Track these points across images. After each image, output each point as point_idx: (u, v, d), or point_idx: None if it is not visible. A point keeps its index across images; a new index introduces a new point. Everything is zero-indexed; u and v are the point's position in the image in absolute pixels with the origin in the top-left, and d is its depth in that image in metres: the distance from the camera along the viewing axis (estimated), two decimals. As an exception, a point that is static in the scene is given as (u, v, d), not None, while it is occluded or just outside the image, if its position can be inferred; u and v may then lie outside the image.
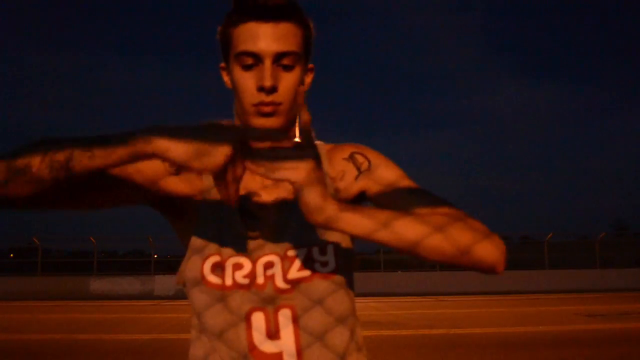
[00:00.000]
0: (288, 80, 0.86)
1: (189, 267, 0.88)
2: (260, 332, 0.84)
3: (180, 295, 17.49)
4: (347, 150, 0.96)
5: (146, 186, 0.88)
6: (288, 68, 0.86)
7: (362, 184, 0.93)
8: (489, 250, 0.78)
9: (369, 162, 0.93)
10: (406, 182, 0.91)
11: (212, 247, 0.87)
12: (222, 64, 0.94)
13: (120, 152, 0.71)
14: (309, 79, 0.95)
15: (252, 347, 0.83)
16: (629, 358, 5.80)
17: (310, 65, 0.94)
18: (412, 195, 0.87)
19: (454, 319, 9.39)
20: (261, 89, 0.85)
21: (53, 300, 15.61)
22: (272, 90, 0.85)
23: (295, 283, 0.85)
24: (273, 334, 0.84)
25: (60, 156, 0.71)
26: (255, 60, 0.85)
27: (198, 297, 0.86)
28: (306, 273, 0.86)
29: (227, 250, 0.87)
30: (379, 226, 0.75)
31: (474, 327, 8.22)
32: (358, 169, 0.93)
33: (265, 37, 0.84)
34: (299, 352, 0.83)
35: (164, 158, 0.71)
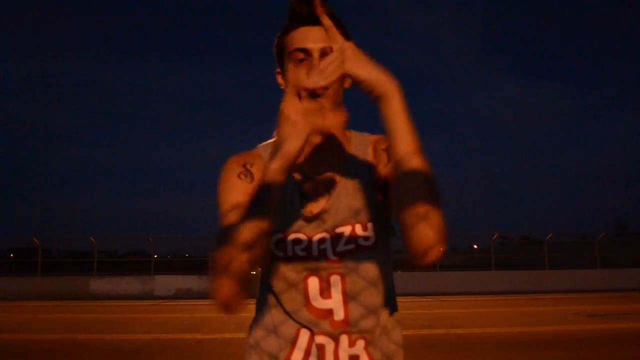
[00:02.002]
0: None
1: None
2: (314, 292, 1.05)
3: (180, 295, 17.53)
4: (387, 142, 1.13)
5: None
6: None
7: (390, 169, 1.07)
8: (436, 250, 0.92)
9: None
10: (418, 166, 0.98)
11: (277, 225, 1.05)
12: (278, 70, 1.12)
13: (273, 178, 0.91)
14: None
15: (308, 302, 1.04)
16: (629, 358, 5.81)
17: None
18: (415, 176, 0.95)
19: (454, 319, 9.41)
20: None
21: (53, 300, 15.64)
22: None
23: (342, 255, 1.04)
24: (325, 294, 1.04)
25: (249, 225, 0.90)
26: (305, 55, 1.04)
27: (266, 265, 1.08)
28: (351, 246, 1.05)
29: (289, 228, 1.07)
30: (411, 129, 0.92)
31: (474, 327, 8.23)
32: (389, 157, 1.08)
33: (313, 37, 1.04)
34: (345, 308, 1.04)
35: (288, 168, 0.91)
